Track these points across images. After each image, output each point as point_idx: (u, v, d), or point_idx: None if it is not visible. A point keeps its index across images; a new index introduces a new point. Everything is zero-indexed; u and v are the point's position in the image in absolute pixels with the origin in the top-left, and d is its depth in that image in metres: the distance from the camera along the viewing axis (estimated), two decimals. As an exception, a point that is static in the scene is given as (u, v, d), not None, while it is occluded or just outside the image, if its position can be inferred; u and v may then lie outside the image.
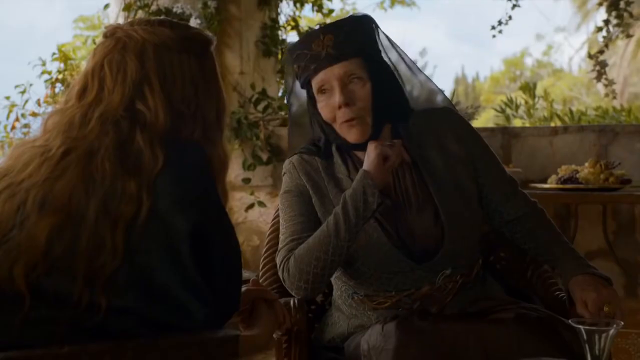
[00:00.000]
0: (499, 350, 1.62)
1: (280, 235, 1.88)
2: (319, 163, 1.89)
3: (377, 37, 1.88)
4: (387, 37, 1.91)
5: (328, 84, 1.79)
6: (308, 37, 1.83)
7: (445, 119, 1.91)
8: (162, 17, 1.43)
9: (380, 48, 1.88)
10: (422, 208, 1.81)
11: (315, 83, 1.82)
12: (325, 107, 1.81)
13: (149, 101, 1.38)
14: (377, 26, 1.89)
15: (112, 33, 1.46)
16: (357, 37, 1.80)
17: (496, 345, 1.63)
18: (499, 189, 1.90)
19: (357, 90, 1.78)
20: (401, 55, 1.93)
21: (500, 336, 1.65)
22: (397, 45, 1.93)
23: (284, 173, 1.93)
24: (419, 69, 1.98)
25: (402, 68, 1.93)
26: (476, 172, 1.88)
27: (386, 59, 1.89)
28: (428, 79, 2.00)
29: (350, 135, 1.80)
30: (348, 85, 1.78)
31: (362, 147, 1.82)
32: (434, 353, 1.62)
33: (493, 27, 4.57)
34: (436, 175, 1.83)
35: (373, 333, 1.72)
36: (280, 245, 1.85)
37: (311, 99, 1.87)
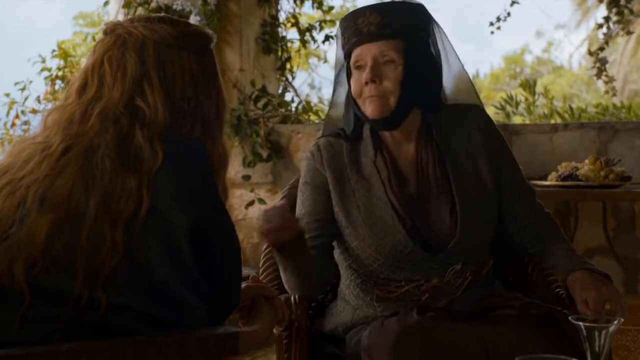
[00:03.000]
0: (500, 348, 1.62)
1: None
2: (344, 147, 1.91)
3: (430, 27, 1.90)
4: (442, 32, 1.94)
5: (363, 60, 1.83)
6: (357, 11, 1.86)
7: (474, 116, 1.94)
8: (163, 14, 1.42)
9: (430, 41, 1.90)
10: (440, 198, 1.83)
11: (353, 57, 1.86)
12: (356, 82, 1.85)
13: (149, 98, 1.38)
14: (432, 18, 1.92)
15: (112, 30, 1.46)
16: (403, 21, 1.82)
17: (497, 343, 1.63)
18: (516, 192, 1.92)
19: (388, 72, 1.80)
20: (448, 54, 1.94)
21: (501, 334, 1.65)
22: (449, 43, 1.95)
23: (306, 157, 1.96)
24: (470, 80, 2.03)
25: (450, 67, 1.95)
26: (499, 171, 1.90)
27: (433, 51, 1.90)
28: (472, 84, 2.04)
29: (369, 109, 1.83)
30: (381, 64, 1.81)
31: (383, 125, 1.86)
32: (433, 350, 1.63)
33: (491, 24, 4.55)
34: (458, 166, 1.86)
35: (373, 329, 1.73)
36: None
37: (348, 71, 1.90)
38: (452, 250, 1.80)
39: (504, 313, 1.73)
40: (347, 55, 1.89)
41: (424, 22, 1.89)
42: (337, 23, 2.00)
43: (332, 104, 2.08)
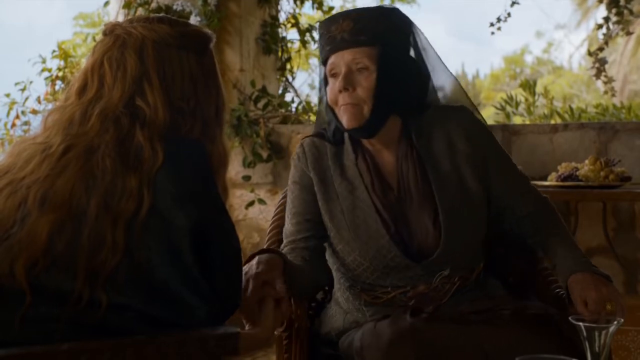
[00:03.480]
0: (498, 349, 1.62)
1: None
2: (328, 149, 1.91)
3: (409, 31, 1.87)
4: (422, 35, 1.91)
5: (337, 67, 1.81)
6: (331, 18, 1.84)
7: (458, 118, 1.90)
8: (162, 14, 1.44)
9: (410, 43, 1.88)
10: (422, 207, 1.81)
11: (328, 65, 1.84)
12: (331, 90, 1.83)
13: (149, 97, 1.38)
14: (409, 21, 1.88)
15: (111, 30, 1.47)
16: (377, 27, 1.80)
17: (495, 344, 1.63)
18: (510, 187, 1.89)
19: (361, 79, 1.78)
20: (430, 57, 1.91)
21: (499, 334, 1.64)
22: (430, 46, 1.92)
23: (293, 158, 1.96)
24: (458, 82, 2.00)
25: (434, 69, 1.92)
26: (487, 171, 1.87)
27: (414, 54, 1.88)
28: (460, 86, 2.01)
29: (344, 118, 1.81)
30: (354, 72, 1.79)
31: (359, 134, 1.84)
32: (427, 353, 1.62)
33: (492, 24, 4.55)
34: (441, 173, 1.83)
35: (366, 331, 1.73)
36: (282, 244, 1.90)
37: (324, 78, 1.88)
38: (437, 260, 1.79)
39: (500, 314, 1.72)
40: (324, 63, 1.87)
41: (400, 26, 1.86)
42: None
43: (320, 99, 2.06)
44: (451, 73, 1.99)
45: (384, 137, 1.85)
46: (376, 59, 1.78)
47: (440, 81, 1.97)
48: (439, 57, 1.94)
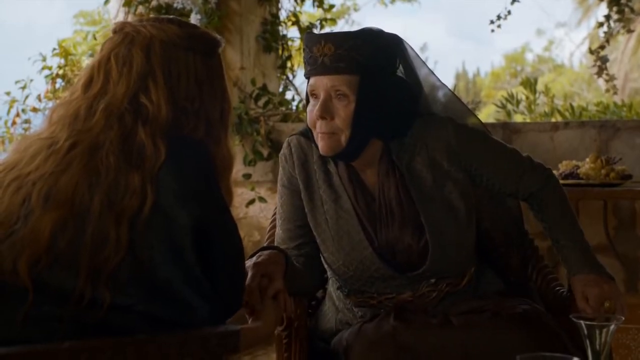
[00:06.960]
0: (478, 351, 1.64)
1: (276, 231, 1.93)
2: (314, 151, 1.87)
3: (394, 53, 1.82)
4: (413, 52, 1.87)
5: (317, 90, 1.77)
6: (314, 38, 1.79)
7: (440, 134, 1.84)
8: (172, 16, 1.45)
9: (399, 63, 1.84)
10: (405, 224, 1.79)
11: (309, 85, 1.80)
12: (310, 112, 1.79)
13: (152, 95, 1.39)
14: (397, 42, 1.84)
15: (120, 29, 1.48)
16: (358, 54, 1.73)
17: (474, 346, 1.65)
18: (507, 176, 1.88)
19: (339, 108, 1.74)
20: (421, 75, 1.89)
21: (478, 336, 1.66)
22: (421, 62, 1.89)
23: (281, 154, 1.92)
24: (453, 93, 1.97)
25: (427, 86, 1.90)
26: (477, 177, 1.86)
27: (402, 74, 1.84)
28: (456, 97, 1.99)
29: (320, 144, 1.78)
30: (333, 99, 1.75)
31: (337, 159, 1.83)
32: (406, 355, 1.65)
33: (492, 22, 4.54)
34: (424, 191, 1.80)
35: (352, 332, 1.76)
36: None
37: (307, 95, 1.84)
38: (423, 273, 1.78)
39: (480, 317, 1.72)
40: (307, 79, 1.82)
41: (385, 49, 1.79)
42: None
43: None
44: (444, 84, 1.95)
45: (365, 158, 1.82)
46: (355, 88, 1.73)
47: (433, 93, 1.94)
48: (431, 70, 1.91)
